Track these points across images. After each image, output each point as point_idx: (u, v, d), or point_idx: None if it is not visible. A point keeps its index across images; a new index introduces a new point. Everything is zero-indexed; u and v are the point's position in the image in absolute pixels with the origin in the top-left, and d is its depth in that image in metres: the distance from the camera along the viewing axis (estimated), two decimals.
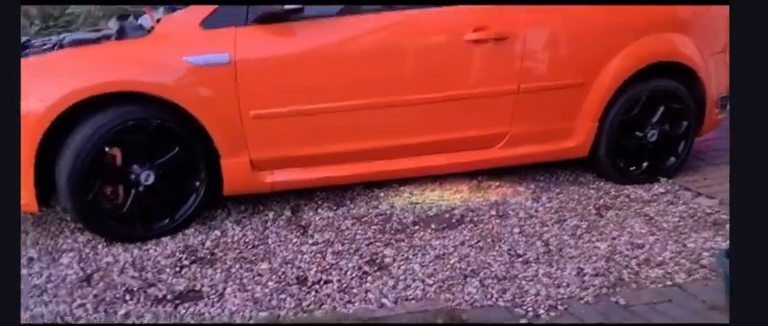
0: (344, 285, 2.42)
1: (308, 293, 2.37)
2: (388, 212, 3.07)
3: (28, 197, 2.59)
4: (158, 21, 2.75)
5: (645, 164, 3.43)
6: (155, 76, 2.63)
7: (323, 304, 2.30)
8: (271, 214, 3.04)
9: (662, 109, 3.36)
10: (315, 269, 2.53)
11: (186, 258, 2.63)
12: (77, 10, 5.50)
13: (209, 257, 2.66)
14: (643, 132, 3.38)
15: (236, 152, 2.79)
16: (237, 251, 2.69)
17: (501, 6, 3.05)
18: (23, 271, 2.55)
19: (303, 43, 2.81)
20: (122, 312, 2.27)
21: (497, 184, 3.40)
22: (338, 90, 2.86)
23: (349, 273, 2.50)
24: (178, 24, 2.73)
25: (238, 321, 2.22)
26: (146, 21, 2.89)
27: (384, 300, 2.32)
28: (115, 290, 2.41)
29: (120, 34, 2.74)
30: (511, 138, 3.18)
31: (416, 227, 2.91)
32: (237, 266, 2.57)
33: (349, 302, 2.31)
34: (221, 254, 2.67)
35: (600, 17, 3.23)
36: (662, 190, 3.35)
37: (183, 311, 2.27)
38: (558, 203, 3.19)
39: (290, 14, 2.70)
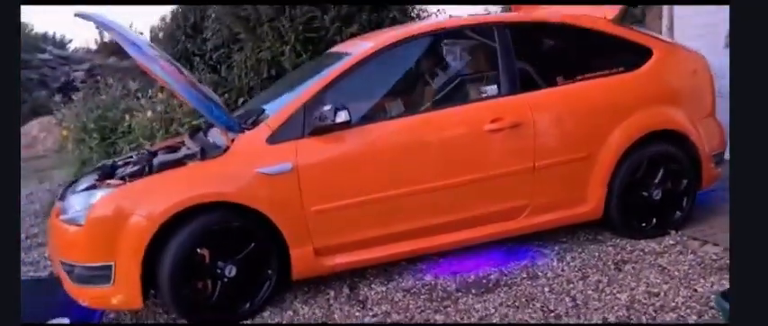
0: None
1: None
2: (433, 282, 3.54)
3: (135, 295, 3.12)
4: (233, 140, 3.34)
5: (654, 220, 3.88)
6: (234, 187, 3.21)
7: None
8: (332, 293, 3.53)
9: (662, 170, 3.84)
10: None
11: None
12: (132, 123, 6.19)
13: None
14: (648, 192, 3.85)
15: (302, 243, 3.32)
16: None
17: (511, 97, 3.61)
18: None
19: (351, 147, 3.38)
20: None
21: (525, 248, 3.86)
22: (383, 183, 3.41)
23: None
24: (249, 142, 3.32)
25: None
26: (219, 138, 3.48)
27: None
28: None
29: (203, 155, 3.34)
30: (532, 209, 3.68)
31: (459, 293, 3.37)
32: None
33: None
34: None
35: (599, 97, 3.77)
36: (672, 241, 3.79)
37: None
38: (581, 262, 3.63)
39: (339, 126, 3.27)
